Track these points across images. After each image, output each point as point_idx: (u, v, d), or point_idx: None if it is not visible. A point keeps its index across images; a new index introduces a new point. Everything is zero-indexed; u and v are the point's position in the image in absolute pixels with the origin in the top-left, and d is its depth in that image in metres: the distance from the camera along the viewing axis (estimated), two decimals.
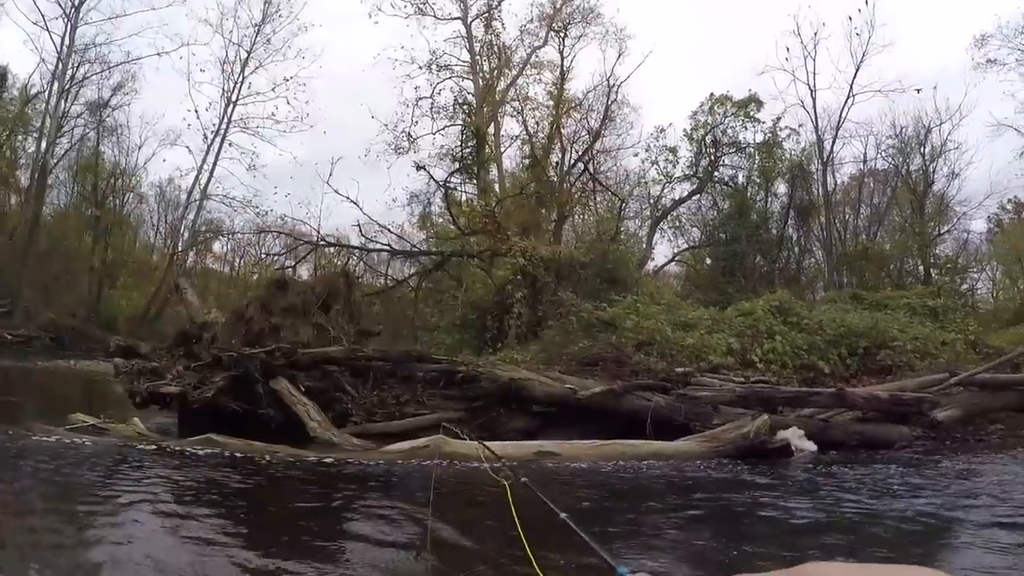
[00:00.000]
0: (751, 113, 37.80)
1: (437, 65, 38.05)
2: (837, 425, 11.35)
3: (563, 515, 3.84)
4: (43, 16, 39.81)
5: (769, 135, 38.01)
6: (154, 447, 8.61)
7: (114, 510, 5.64)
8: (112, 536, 4.98)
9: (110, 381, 14.49)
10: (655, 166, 39.58)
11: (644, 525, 6.16)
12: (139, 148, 46.79)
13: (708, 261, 40.66)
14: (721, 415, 10.78)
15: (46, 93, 41.46)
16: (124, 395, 11.44)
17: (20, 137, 43.09)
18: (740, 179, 39.39)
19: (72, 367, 25.56)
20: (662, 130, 39.00)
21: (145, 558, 4.48)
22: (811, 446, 10.39)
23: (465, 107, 37.53)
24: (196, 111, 43.93)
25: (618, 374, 13.35)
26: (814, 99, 37.84)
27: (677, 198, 39.98)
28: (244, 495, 6.85)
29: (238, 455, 8.38)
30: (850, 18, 36.63)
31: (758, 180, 38.94)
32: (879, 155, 39.59)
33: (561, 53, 40.03)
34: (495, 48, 39.60)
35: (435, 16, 38.99)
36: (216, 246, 55.66)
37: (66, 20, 40.25)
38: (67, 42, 40.47)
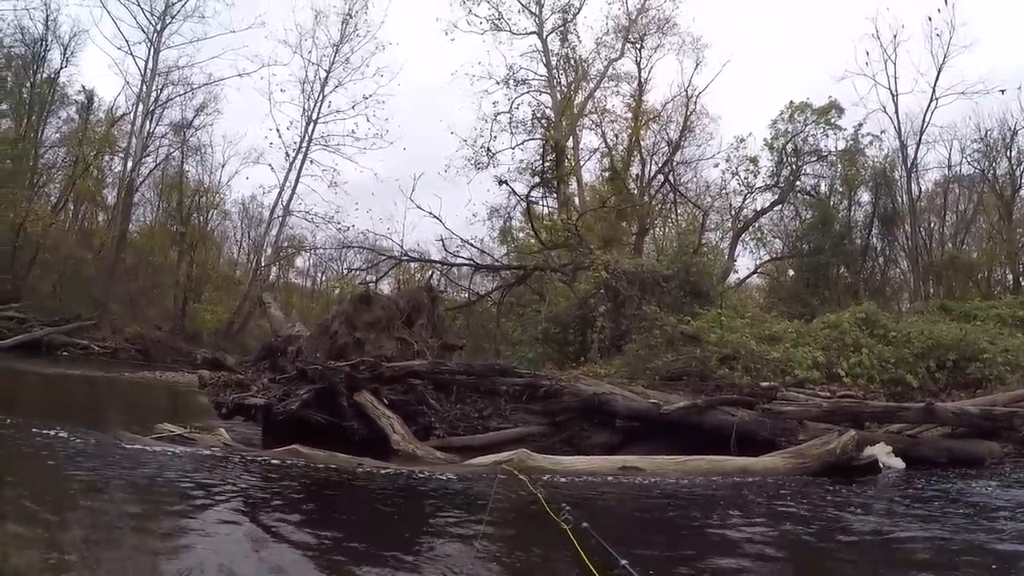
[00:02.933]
0: (832, 120, 37.14)
1: (514, 80, 38.59)
2: (926, 441, 11.19)
3: (624, 562, 4.04)
4: (127, 41, 41.84)
5: (851, 142, 37.23)
6: (239, 457, 8.65)
7: (198, 517, 5.77)
8: (194, 542, 5.11)
9: (195, 392, 14.81)
10: (736, 177, 39.22)
11: (722, 548, 6.04)
12: (222, 166, 48.72)
13: (791, 272, 40.05)
14: (807, 431, 10.68)
15: (131, 115, 43.33)
16: (209, 406, 11.64)
17: (107, 157, 44.98)
18: (823, 188, 38.69)
19: (158, 378, 26.11)
20: (742, 140, 38.63)
21: (226, 564, 4.63)
22: (899, 463, 10.23)
23: (543, 121, 37.83)
24: (277, 130, 45.60)
25: (702, 388, 13.31)
26: (896, 104, 36.65)
27: (759, 209, 39.60)
28: (327, 505, 6.95)
29: (322, 466, 8.42)
30: (930, 19, 35.34)
31: (841, 189, 38.12)
32: (964, 160, 38.02)
33: (638, 64, 40.24)
34: (572, 61, 40.03)
35: (511, 31, 39.64)
36: (299, 261, 57.26)
37: (149, 44, 42.08)
38: (151, 65, 42.27)
